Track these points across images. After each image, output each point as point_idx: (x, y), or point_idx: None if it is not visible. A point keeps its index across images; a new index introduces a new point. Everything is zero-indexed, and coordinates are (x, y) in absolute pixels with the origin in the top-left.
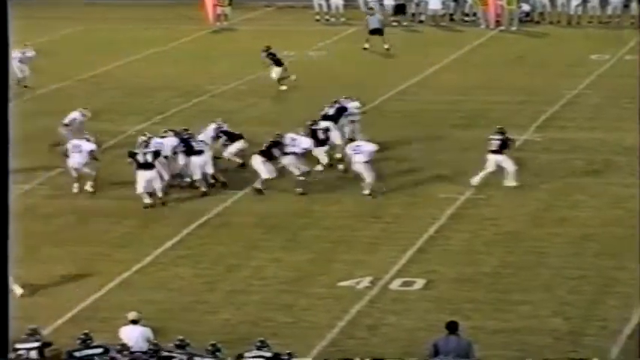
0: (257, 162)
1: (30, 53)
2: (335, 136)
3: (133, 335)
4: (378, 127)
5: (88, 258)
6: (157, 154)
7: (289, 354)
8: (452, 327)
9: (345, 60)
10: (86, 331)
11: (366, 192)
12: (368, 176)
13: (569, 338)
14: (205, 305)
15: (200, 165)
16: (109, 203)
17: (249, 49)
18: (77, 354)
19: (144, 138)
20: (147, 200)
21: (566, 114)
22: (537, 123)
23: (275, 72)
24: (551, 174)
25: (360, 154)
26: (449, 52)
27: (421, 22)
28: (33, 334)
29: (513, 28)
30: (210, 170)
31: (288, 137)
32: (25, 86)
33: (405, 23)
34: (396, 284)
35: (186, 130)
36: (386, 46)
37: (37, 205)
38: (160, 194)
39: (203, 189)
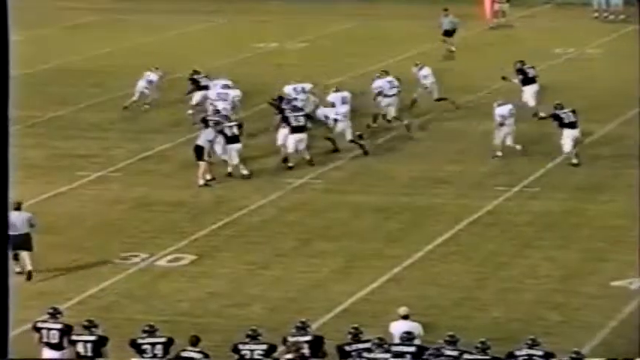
0: None
1: (155, 77)
2: None
3: (404, 331)
4: None
5: (359, 253)
6: (308, 117)
7: (576, 352)
8: None
9: (623, 58)
10: (356, 326)
11: None
12: None
13: None
14: (475, 302)
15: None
16: (381, 199)
17: (526, 46)
18: (347, 348)
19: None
20: (291, 163)
21: None
22: None
23: (195, 97)
24: None
25: None
26: None
27: None
28: (303, 327)
29: None
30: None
31: None
32: (146, 104)
33: None
34: None
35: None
36: (452, 48)
37: (311, 200)
38: (308, 156)
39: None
